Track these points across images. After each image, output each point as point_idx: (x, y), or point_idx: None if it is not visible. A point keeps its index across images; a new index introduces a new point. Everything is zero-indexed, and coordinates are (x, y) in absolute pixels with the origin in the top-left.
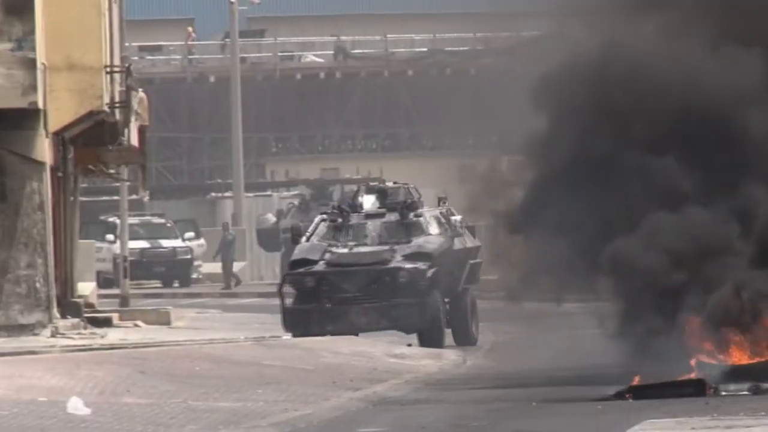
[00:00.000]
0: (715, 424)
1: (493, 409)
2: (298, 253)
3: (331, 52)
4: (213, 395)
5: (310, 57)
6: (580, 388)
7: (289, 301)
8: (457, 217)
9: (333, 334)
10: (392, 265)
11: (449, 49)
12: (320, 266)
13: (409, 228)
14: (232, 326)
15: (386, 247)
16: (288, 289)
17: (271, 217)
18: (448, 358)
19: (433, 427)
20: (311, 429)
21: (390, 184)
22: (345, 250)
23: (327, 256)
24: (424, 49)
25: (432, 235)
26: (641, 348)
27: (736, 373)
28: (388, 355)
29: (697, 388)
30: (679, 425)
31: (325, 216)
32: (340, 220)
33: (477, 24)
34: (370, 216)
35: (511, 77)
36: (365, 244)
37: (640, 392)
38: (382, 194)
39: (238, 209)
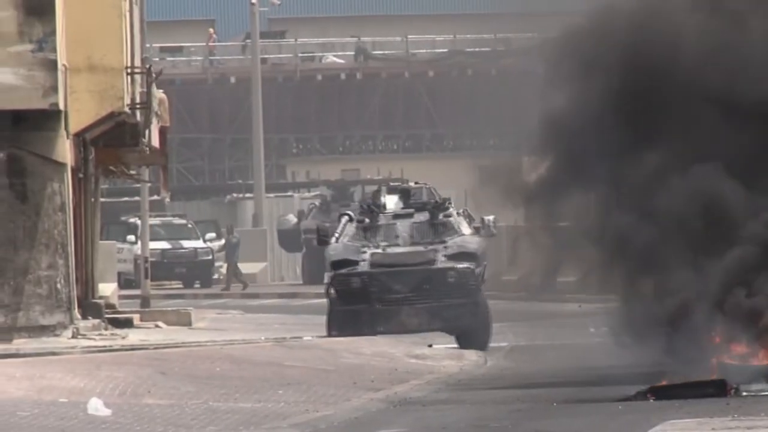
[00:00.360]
0: (735, 425)
1: (513, 410)
2: (335, 253)
3: (352, 53)
4: (234, 396)
5: (331, 58)
6: (601, 388)
7: (337, 301)
8: (491, 217)
9: (383, 334)
10: (440, 265)
11: (470, 49)
12: (364, 266)
13: (438, 228)
14: (253, 327)
15: (427, 248)
16: (335, 289)
17: (292, 218)
18: (468, 359)
19: (454, 428)
20: (332, 430)
21: (412, 184)
22: (379, 251)
23: (366, 256)
24: (445, 50)
25: (466, 235)
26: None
27: (758, 374)
28: (409, 356)
29: (718, 389)
30: (700, 426)
31: (348, 215)
32: (367, 220)
33: (498, 25)
34: (398, 216)
35: (532, 78)
36: (397, 245)
37: (661, 392)
38: (405, 194)
39: (258, 210)
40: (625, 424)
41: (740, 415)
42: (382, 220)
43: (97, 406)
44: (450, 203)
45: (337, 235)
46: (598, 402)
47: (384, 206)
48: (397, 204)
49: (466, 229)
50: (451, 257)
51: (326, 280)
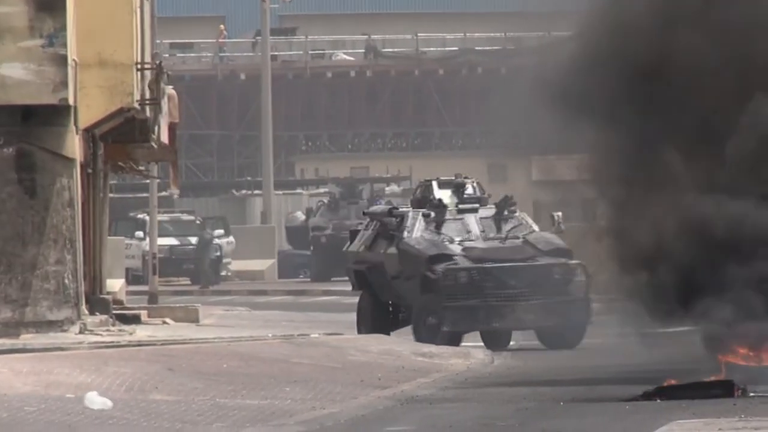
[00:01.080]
0: (742, 425)
1: (520, 409)
2: (426, 248)
3: (362, 50)
4: (240, 393)
5: (341, 55)
6: (608, 387)
7: (445, 297)
8: (559, 213)
9: (498, 330)
10: (547, 260)
11: (480, 48)
12: (465, 262)
13: (507, 223)
14: (261, 324)
15: (517, 243)
16: (444, 284)
17: (301, 215)
18: (476, 357)
19: (461, 426)
20: (338, 427)
21: (461, 179)
22: (474, 245)
23: (457, 251)
24: (455, 49)
25: (540, 231)
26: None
27: (765, 375)
28: (416, 354)
29: (725, 389)
30: (707, 426)
31: (401, 210)
32: (433, 214)
33: (508, 23)
34: (463, 211)
35: (542, 77)
36: (471, 240)
37: (668, 393)
38: (459, 188)
39: (267, 207)
40: (631, 424)
41: (747, 416)
42: (449, 215)
43: (93, 399)
44: (513, 199)
45: (406, 228)
46: (605, 402)
47: (439, 200)
48: (451, 198)
49: (534, 225)
50: (548, 253)
51: (420, 273)
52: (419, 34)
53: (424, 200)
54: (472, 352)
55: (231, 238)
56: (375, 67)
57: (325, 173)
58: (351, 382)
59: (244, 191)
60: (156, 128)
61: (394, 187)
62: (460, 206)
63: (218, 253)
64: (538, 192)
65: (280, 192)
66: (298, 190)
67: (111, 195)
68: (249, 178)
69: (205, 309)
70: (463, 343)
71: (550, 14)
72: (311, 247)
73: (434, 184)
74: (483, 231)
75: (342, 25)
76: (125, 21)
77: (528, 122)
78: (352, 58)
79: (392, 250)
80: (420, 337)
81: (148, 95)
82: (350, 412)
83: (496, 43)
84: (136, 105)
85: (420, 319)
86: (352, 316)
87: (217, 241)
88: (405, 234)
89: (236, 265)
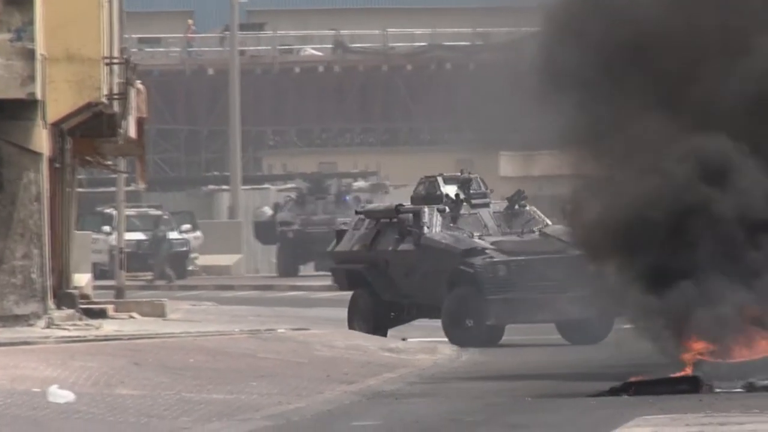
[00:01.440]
0: (708, 421)
1: (487, 404)
2: (455, 242)
3: (331, 45)
4: (207, 387)
5: (309, 50)
6: (575, 383)
7: (486, 290)
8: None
9: (541, 323)
10: (576, 252)
11: (448, 43)
12: (500, 255)
13: (520, 217)
14: (228, 319)
15: (536, 235)
16: (484, 278)
17: (268, 210)
18: (443, 353)
19: (427, 421)
20: (305, 422)
21: (466, 174)
22: (503, 239)
23: (486, 245)
24: (424, 44)
25: (554, 225)
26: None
27: (731, 371)
28: (383, 349)
29: (691, 385)
30: (673, 422)
31: (408, 207)
32: (448, 209)
33: (476, 19)
34: (477, 206)
35: (511, 72)
36: (489, 234)
37: (635, 388)
38: (465, 184)
39: (234, 202)
40: (598, 419)
41: (713, 412)
42: (463, 209)
43: (55, 392)
44: (524, 193)
45: (424, 223)
46: (572, 397)
47: (447, 196)
48: (458, 193)
49: (545, 219)
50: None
51: (451, 268)
52: (388, 30)
53: (429, 196)
54: (439, 348)
55: (198, 233)
56: (343, 62)
57: (293, 168)
58: (317, 377)
59: (211, 186)
60: (124, 123)
61: (361, 183)
62: (473, 201)
63: (185, 248)
64: (505, 187)
65: (248, 187)
66: (266, 185)
67: (78, 189)
68: (216, 173)
69: (172, 304)
70: (430, 339)
71: (518, 9)
72: (279, 243)
73: (439, 179)
74: (499, 226)
75: (310, 20)
76: (93, 16)
77: (497, 118)
78: (320, 54)
79: (406, 246)
80: (453, 333)
81: (116, 90)
82: (316, 407)
83: (465, 39)
84: (104, 100)
85: (452, 313)
86: (319, 311)
87: (177, 236)
88: (425, 230)
89: (203, 260)
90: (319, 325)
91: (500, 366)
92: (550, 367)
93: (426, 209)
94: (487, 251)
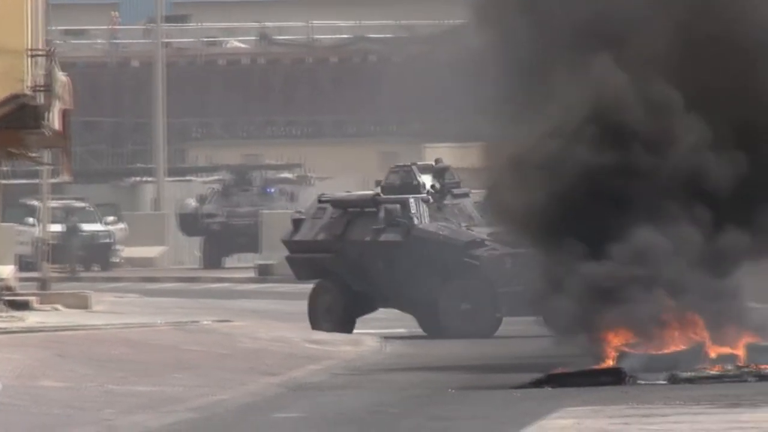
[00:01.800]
0: (631, 413)
1: (410, 396)
2: (453, 234)
3: (255, 38)
4: (131, 379)
5: (234, 43)
6: (500, 375)
7: (497, 283)
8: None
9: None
10: None
11: (373, 36)
12: (502, 247)
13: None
14: (152, 311)
15: None
16: (495, 271)
17: (192, 202)
18: (367, 344)
19: (351, 414)
20: (228, 414)
21: (441, 164)
22: (478, 232)
23: (483, 236)
24: (349, 36)
25: None
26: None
27: (653, 362)
28: (307, 341)
29: (615, 377)
30: (596, 413)
31: (383, 197)
32: (431, 200)
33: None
34: (457, 196)
35: (435, 65)
36: (475, 225)
37: (558, 380)
38: (439, 173)
39: (159, 194)
40: (521, 411)
41: (636, 403)
42: (447, 200)
43: None
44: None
45: (414, 215)
46: (495, 389)
47: (423, 186)
48: (434, 183)
49: None
50: None
51: (452, 260)
52: (312, 22)
53: (405, 186)
54: (363, 339)
55: (123, 225)
56: (268, 54)
57: (217, 160)
58: (241, 369)
59: (135, 178)
60: (48, 115)
61: (286, 174)
62: (454, 191)
63: (109, 240)
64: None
65: (173, 179)
66: (190, 177)
67: (2, 181)
68: (141, 165)
69: (97, 295)
70: (355, 330)
71: (442, 2)
72: (203, 235)
73: (415, 168)
74: (482, 216)
75: (234, 12)
76: (17, 7)
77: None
78: (245, 46)
79: (390, 237)
80: (451, 326)
81: (40, 82)
82: (240, 399)
83: (389, 31)
84: (28, 91)
85: (449, 306)
86: (243, 303)
87: (100, 228)
88: (415, 221)
89: (128, 251)
90: (243, 317)
91: (425, 358)
92: (476, 359)
93: (412, 199)
94: (486, 243)
